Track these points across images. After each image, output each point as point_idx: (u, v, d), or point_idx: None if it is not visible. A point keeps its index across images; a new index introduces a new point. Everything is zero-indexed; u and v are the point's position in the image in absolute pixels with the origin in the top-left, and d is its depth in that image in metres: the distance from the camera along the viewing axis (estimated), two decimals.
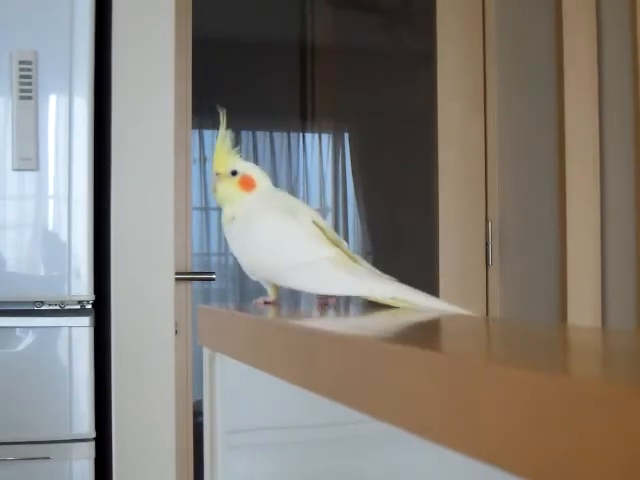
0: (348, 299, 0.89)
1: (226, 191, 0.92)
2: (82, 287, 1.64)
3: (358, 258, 0.88)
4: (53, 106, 1.64)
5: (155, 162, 1.71)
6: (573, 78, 1.94)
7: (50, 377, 1.62)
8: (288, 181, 3.15)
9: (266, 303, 0.90)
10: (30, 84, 1.61)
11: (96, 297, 1.66)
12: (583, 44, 1.93)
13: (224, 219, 0.93)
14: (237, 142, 0.94)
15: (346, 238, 3.06)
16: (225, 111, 0.90)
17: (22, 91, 1.61)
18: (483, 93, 2.25)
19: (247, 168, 0.93)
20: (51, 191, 1.65)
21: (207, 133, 3.19)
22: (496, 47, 2.23)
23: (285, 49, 2.99)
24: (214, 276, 2.28)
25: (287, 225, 0.89)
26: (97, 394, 1.66)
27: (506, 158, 2.21)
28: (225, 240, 0.96)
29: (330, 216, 3.09)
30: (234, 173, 0.92)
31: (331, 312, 0.85)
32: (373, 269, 0.87)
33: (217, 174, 0.92)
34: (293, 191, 3.06)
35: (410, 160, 2.74)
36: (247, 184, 0.92)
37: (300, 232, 0.88)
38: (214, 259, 3.25)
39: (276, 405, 0.77)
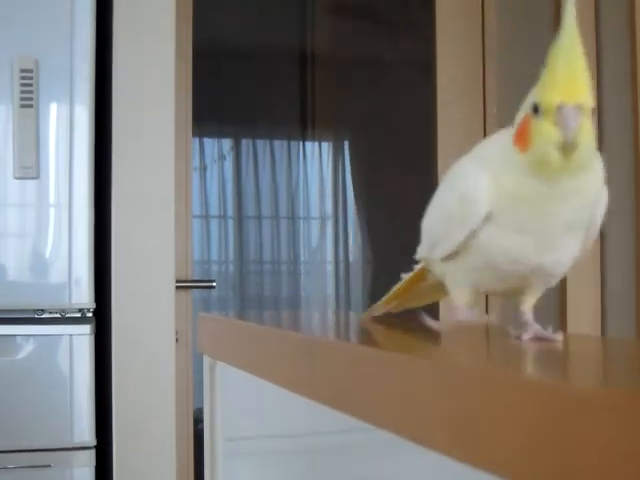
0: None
1: (592, 143, 0.51)
2: (83, 295, 1.64)
3: None
4: (54, 114, 1.65)
5: (156, 170, 1.71)
6: None
7: (51, 385, 1.62)
8: (288, 189, 3.15)
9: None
10: (31, 92, 1.61)
11: (97, 305, 1.66)
12: None
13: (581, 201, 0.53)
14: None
15: (346, 246, 3.06)
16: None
17: (23, 99, 1.61)
18: (482, 100, 2.26)
19: None
20: (52, 199, 1.65)
21: (207, 141, 3.19)
22: (495, 54, 2.24)
23: (285, 57, 2.99)
24: (214, 284, 2.28)
25: None
26: (98, 402, 1.65)
27: None
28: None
29: (330, 224, 3.09)
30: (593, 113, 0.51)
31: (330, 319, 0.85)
32: None
33: (577, 107, 0.50)
34: (293, 199, 3.06)
35: (410, 167, 2.74)
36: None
37: None
38: (214, 267, 3.25)
39: (276, 413, 0.77)
